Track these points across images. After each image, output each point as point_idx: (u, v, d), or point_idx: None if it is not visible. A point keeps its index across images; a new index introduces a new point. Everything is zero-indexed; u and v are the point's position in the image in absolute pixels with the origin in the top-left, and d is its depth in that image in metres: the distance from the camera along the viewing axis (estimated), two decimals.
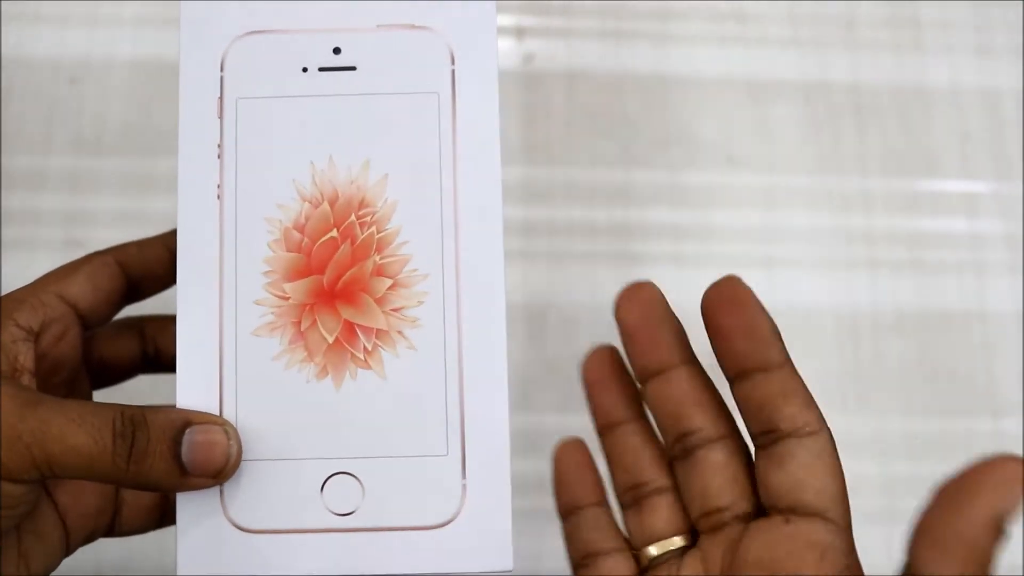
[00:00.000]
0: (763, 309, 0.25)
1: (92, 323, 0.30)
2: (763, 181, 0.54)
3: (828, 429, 0.27)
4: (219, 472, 0.26)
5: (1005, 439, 0.50)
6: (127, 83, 0.53)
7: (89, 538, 0.29)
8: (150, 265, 0.31)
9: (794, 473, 0.26)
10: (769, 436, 0.26)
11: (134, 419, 0.25)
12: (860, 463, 0.49)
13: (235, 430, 0.27)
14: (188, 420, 0.26)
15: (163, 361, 0.33)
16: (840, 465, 0.27)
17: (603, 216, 0.53)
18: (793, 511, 0.25)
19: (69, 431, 0.24)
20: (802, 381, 0.27)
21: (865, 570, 0.48)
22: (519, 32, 0.56)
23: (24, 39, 0.54)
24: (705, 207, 0.53)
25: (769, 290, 0.52)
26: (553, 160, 0.53)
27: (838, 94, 0.56)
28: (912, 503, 0.49)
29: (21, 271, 0.50)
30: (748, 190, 0.54)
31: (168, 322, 0.31)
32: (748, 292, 0.25)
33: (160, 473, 0.25)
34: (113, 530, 0.30)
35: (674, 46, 0.56)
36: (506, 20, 0.56)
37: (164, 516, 0.31)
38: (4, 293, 0.28)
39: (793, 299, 0.52)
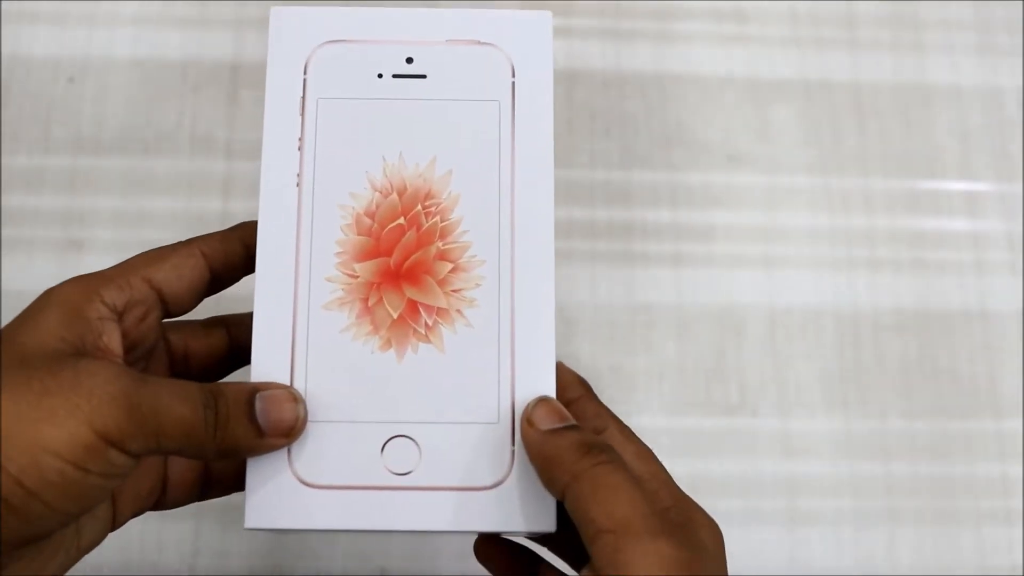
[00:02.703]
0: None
1: (174, 311, 0.31)
2: (763, 181, 0.54)
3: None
4: (290, 431, 0.28)
5: (1005, 439, 0.50)
6: (126, 82, 0.53)
7: (136, 514, 0.31)
8: (230, 258, 0.32)
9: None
10: None
11: (213, 391, 0.27)
12: (860, 463, 0.49)
13: (300, 393, 0.29)
14: (256, 387, 0.28)
15: (244, 358, 0.34)
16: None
17: (603, 216, 0.52)
18: None
19: (175, 404, 0.26)
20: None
21: (866, 570, 0.48)
22: None
23: (22, 38, 0.54)
24: (705, 207, 0.53)
25: (769, 290, 0.52)
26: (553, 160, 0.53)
27: (839, 93, 0.56)
28: (913, 503, 0.49)
29: (21, 271, 0.50)
30: (748, 190, 0.53)
31: (249, 319, 0.33)
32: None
33: (240, 436, 0.28)
34: (158, 506, 0.32)
35: (674, 46, 0.56)
36: None
37: (204, 491, 0.32)
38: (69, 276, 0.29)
39: (793, 299, 0.52)
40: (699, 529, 0.29)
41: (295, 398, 0.29)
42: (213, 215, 0.51)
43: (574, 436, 0.28)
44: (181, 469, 0.32)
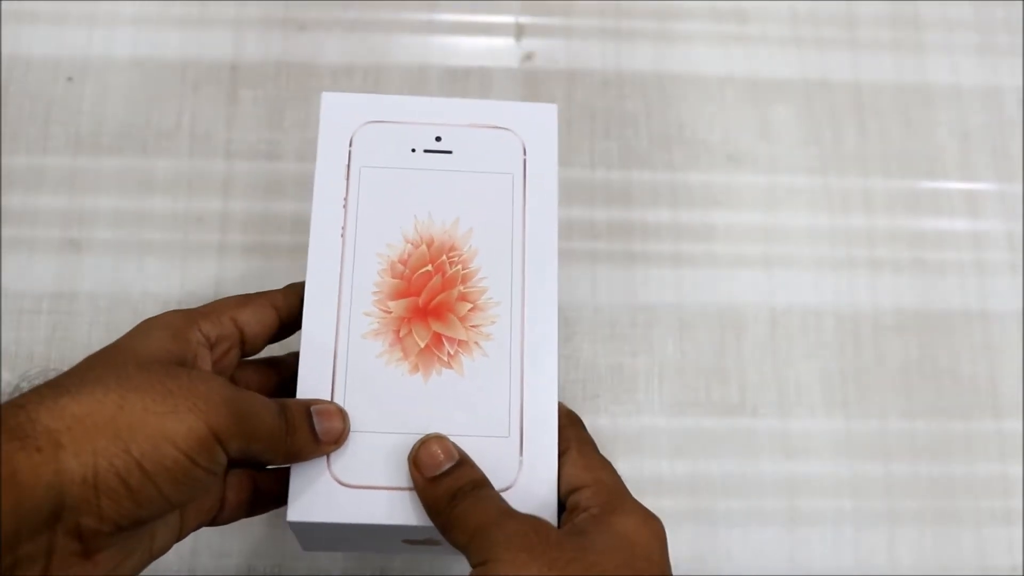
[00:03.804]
0: None
1: (248, 351, 0.36)
2: (763, 181, 0.54)
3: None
4: (338, 438, 0.33)
5: (1006, 440, 0.50)
6: (125, 82, 0.53)
7: (196, 528, 0.34)
8: (292, 310, 0.36)
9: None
10: None
11: (280, 404, 0.32)
12: (861, 463, 0.49)
13: (343, 408, 0.34)
14: (309, 403, 0.33)
15: (288, 393, 0.38)
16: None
17: (603, 216, 0.52)
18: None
19: (263, 412, 0.31)
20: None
21: (866, 570, 0.48)
22: (518, 30, 0.56)
23: (22, 38, 0.54)
24: (705, 207, 0.53)
25: (769, 290, 0.52)
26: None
27: (839, 93, 0.56)
28: (914, 504, 0.49)
29: (20, 271, 0.50)
30: (748, 190, 0.53)
31: (292, 360, 0.37)
32: None
33: (303, 442, 0.32)
34: (214, 522, 0.35)
35: (674, 45, 0.56)
36: (505, 19, 0.56)
37: (251, 509, 0.36)
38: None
39: (793, 299, 0.52)
40: (618, 518, 0.31)
41: (341, 412, 0.34)
42: (213, 215, 0.51)
43: (446, 484, 0.32)
44: (236, 491, 0.35)
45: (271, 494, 0.36)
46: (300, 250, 0.49)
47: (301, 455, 0.33)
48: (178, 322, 0.33)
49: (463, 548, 0.31)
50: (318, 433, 0.33)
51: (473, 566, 0.30)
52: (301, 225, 0.51)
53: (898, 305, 0.52)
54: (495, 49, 0.55)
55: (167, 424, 0.28)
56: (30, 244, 0.50)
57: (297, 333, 0.36)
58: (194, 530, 0.34)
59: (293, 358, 0.37)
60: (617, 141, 0.54)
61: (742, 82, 0.55)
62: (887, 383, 0.51)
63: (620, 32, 0.56)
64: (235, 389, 0.31)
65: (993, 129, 0.56)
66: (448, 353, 0.35)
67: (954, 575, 0.48)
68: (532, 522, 0.31)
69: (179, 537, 0.33)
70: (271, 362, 0.38)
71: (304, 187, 0.52)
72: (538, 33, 0.56)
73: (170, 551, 0.47)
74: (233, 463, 0.34)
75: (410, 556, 0.47)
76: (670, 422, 0.49)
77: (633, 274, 0.52)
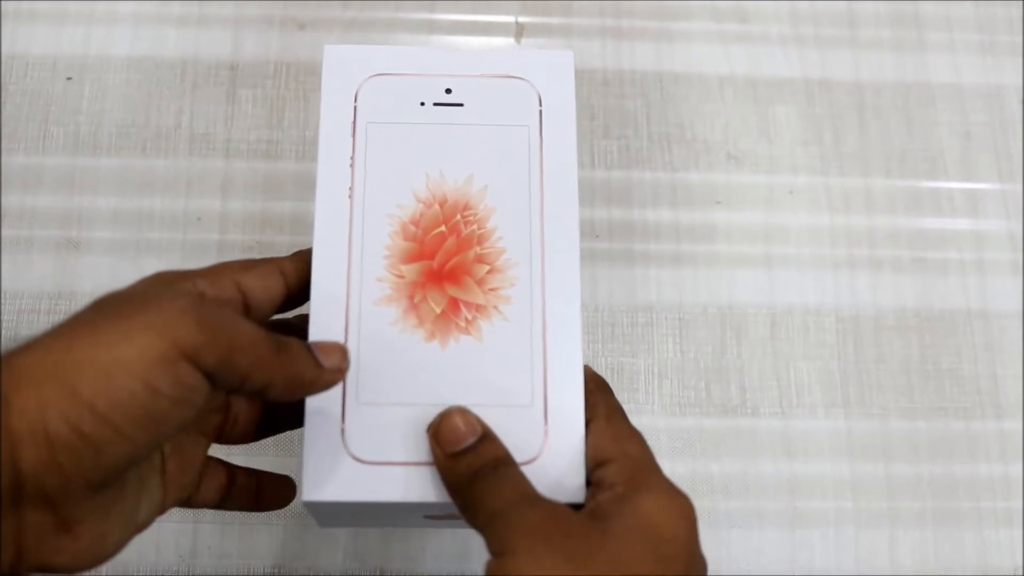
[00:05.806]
0: None
1: (253, 317, 0.33)
2: (764, 180, 0.54)
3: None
4: (340, 368, 0.31)
5: (1007, 440, 0.50)
6: (124, 81, 0.53)
7: (177, 503, 0.32)
8: (302, 276, 0.34)
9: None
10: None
11: (274, 335, 0.29)
12: (861, 463, 0.49)
13: (343, 344, 0.32)
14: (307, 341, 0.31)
15: None
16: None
17: (603, 216, 0.52)
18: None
19: (246, 325, 0.28)
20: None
21: (867, 571, 0.48)
22: (518, 30, 0.56)
23: (21, 37, 0.54)
24: (706, 207, 0.53)
25: (769, 290, 0.52)
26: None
27: (840, 93, 0.56)
28: (915, 504, 0.49)
29: (19, 270, 0.49)
30: (749, 189, 0.53)
31: (305, 320, 0.36)
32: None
33: (304, 365, 0.30)
34: (189, 501, 0.33)
35: (674, 45, 0.56)
36: (505, 18, 0.56)
37: (225, 499, 0.34)
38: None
39: (794, 299, 0.52)
40: (643, 498, 0.30)
41: (341, 348, 0.31)
42: (212, 215, 0.51)
43: (468, 461, 0.31)
44: (213, 475, 0.34)
45: (247, 489, 0.34)
46: (299, 249, 0.49)
47: (303, 380, 0.30)
48: (170, 276, 0.31)
49: (481, 531, 0.30)
50: (319, 358, 0.30)
51: (491, 553, 0.29)
52: (300, 224, 0.51)
53: (899, 305, 0.52)
54: (495, 49, 0.55)
55: (117, 351, 0.25)
56: (28, 244, 0.50)
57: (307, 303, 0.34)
58: (176, 504, 0.32)
59: (301, 320, 0.36)
60: (617, 141, 0.54)
61: (742, 81, 0.55)
62: (888, 383, 0.51)
63: (620, 31, 0.56)
64: (205, 300, 0.28)
65: (994, 128, 0.55)
66: (465, 319, 0.33)
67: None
68: (552, 510, 0.29)
69: (162, 509, 0.32)
70: (278, 325, 0.36)
71: (304, 186, 0.52)
72: (538, 33, 0.56)
73: (169, 550, 0.47)
74: (227, 391, 0.31)
75: (411, 556, 0.46)
76: (670, 422, 0.49)
77: (633, 274, 0.52)
